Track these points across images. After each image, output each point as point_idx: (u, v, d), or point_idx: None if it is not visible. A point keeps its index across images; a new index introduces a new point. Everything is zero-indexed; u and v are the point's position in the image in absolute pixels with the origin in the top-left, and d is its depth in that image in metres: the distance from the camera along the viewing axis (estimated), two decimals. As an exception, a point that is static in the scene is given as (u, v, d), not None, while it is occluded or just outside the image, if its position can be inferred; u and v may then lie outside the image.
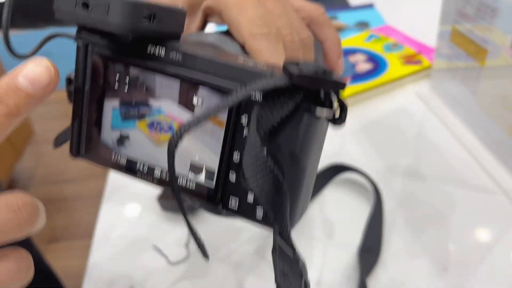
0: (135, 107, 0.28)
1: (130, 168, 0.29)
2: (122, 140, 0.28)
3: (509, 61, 0.53)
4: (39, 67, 0.24)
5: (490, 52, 0.56)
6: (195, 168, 0.27)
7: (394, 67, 0.74)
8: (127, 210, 0.59)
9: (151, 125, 0.28)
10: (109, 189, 0.62)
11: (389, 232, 0.52)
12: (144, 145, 0.28)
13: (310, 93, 0.24)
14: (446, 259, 0.49)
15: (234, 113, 0.26)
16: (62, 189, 1.84)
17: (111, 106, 0.28)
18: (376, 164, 0.60)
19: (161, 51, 0.27)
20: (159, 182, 0.29)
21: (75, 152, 0.30)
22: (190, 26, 0.34)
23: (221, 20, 0.33)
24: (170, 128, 0.27)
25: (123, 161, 0.29)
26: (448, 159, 0.60)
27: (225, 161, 0.27)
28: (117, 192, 0.61)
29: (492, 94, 0.57)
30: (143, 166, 0.29)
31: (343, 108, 0.24)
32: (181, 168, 0.28)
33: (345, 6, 0.95)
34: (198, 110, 0.26)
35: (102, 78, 0.28)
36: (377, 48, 0.79)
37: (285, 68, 0.23)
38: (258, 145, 0.23)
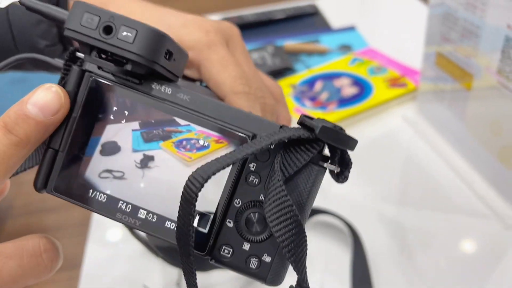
0: (158, 127, 0.26)
1: (109, 207, 0.27)
2: (145, 161, 0.26)
3: (495, 85, 0.52)
4: (49, 94, 0.23)
5: (475, 76, 0.55)
6: None
7: (380, 90, 0.73)
8: (115, 242, 0.56)
9: (179, 144, 0.26)
10: (95, 219, 0.59)
11: (381, 261, 0.50)
12: (171, 165, 0.26)
13: (323, 147, 0.25)
14: (442, 285, 0.48)
15: (242, 161, 0.25)
16: (43, 219, 1.79)
17: (129, 129, 0.26)
18: (365, 190, 0.59)
19: (167, 90, 0.26)
20: (142, 225, 0.26)
21: (42, 185, 0.27)
22: None
23: (198, 74, 0.33)
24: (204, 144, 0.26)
25: (101, 198, 0.27)
26: (438, 184, 0.59)
27: (224, 208, 0.26)
28: (104, 222, 0.59)
29: (480, 119, 0.57)
30: (126, 205, 0.26)
31: (349, 165, 0.25)
32: (170, 208, 0.26)
33: (327, 29, 0.95)
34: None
35: (97, 106, 0.26)
36: (361, 72, 0.78)
37: (303, 122, 0.24)
38: (283, 193, 0.24)
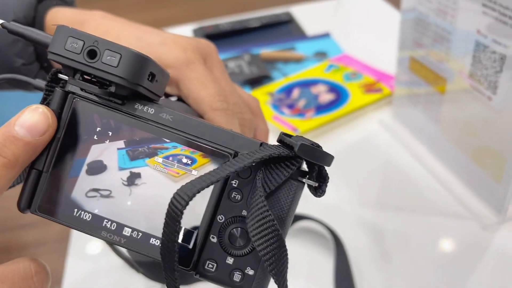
0: (143, 145, 0.26)
1: (94, 226, 0.27)
2: (132, 178, 0.26)
3: (467, 89, 0.54)
4: (36, 114, 0.24)
5: (448, 80, 0.57)
6: None
7: (356, 96, 0.74)
8: (96, 256, 0.56)
9: (165, 160, 0.26)
10: (75, 234, 0.59)
11: (362, 265, 0.51)
12: (158, 181, 0.26)
13: (301, 164, 0.26)
14: (423, 286, 0.49)
15: (224, 179, 0.25)
16: (22, 235, 1.75)
17: (114, 148, 0.26)
18: (344, 195, 0.60)
19: (150, 110, 0.26)
20: (127, 242, 0.26)
21: (25, 205, 0.27)
22: None
23: (177, 90, 0.35)
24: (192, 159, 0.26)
25: (86, 217, 0.27)
26: (415, 187, 0.60)
27: (208, 223, 0.26)
28: (84, 237, 0.58)
29: (454, 121, 0.58)
30: (111, 223, 0.27)
31: (326, 180, 0.26)
32: (155, 224, 0.26)
33: (302, 37, 0.96)
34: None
35: (81, 126, 0.26)
36: (337, 78, 0.79)
37: (282, 140, 0.25)
38: (265, 209, 0.24)
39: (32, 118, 0.24)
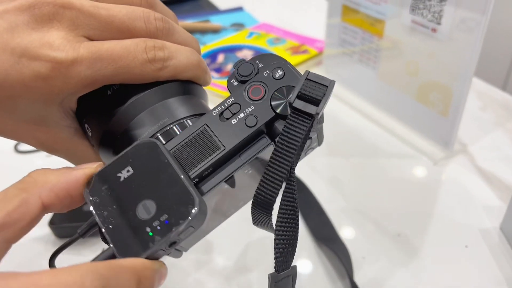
0: None
1: None
2: None
3: (408, 25, 0.53)
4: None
5: (387, 21, 0.56)
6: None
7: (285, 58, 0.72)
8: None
9: None
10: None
11: (336, 218, 0.48)
12: None
13: None
14: (397, 225, 0.47)
15: None
16: None
17: None
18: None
19: None
20: None
21: None
22: (73, 101, 0.26)
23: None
24: None
25: None
26: (363, 138, 0.59)
27: None
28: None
29: (394, 64, 0.58)
30: None
31: None
32: None
33: (215, 11, 0.92)
34: None
35: None
36: (261, 43, 0.76)
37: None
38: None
39: None
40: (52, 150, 0.27)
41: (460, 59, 0.49)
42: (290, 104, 0.23)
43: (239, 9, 0.92)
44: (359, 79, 0.64)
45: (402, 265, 0.43)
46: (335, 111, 0.63)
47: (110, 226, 0.21)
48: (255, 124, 0.23)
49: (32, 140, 0.26)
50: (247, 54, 0.73)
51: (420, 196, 0.51)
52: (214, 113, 0.24)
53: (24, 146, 0.57)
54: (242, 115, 0.24)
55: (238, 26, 0.85)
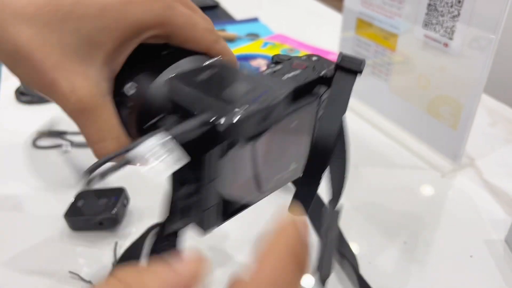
0: None
1: None
2: None
3: (421, 39, 0.55)
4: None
5: (400, 35, 0.58)
6: None
7: (298, 67, 0.73)
8: (31, 234, 0.47)
9: None
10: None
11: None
12: None
13: None
14: (404, 233, 0.47)
15: None
16: None
17: None
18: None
19: None
20: None
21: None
22: (120, 59, 0.30)
23: (168, 40, 0.31)
24: None
25: None
26: (372, 149, 0.60)
27: None
28: (17, 214, 0.48)
29: (405, 77, 0.59)
30: None
31: None
32: None
33: (231, 21, 0.94)
34: None
35: None
36: (275, 53, 0.78)
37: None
38: None
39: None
40: (78, 107, 0.27)
41: (471, 74, 0.50)
42: (337, 64, 0.27)
43: (254, 19, 0.94)
44: (371, 91, 0.65)
45: (407, 272, 0.44)
46: (347, 121, 0.64)
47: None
48: (304, 80, 0.26)
49: (65, 82, 0.27)
50: (261, 63, 0.75)
51: (428, 206, 0.51)
52: (265, 72, 0.28)
53: (43, 142, 0.59)
54: (292, 73, 0.27)
55: (253, 36, 0.87)
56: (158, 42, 0.31)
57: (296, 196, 0.26)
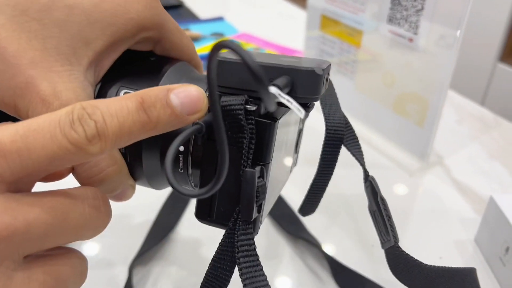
0: None
1: None
2: None
3: (386, 35, 0.53)
4: (195, 93, 0.22)
5: (365, 31, 0.56)
6: None
7: (263, 67, 0.71)
8: None
9: None
10: None
11: (313, 230, 0.47)
12: None
13: None
14: (371, 236, 0.46)
15: None
16: None
17: None
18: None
19: None
20: None
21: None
22: (107, 63, 0.27)
23: (155, 46, 0.29)
24: None
25: None
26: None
27: None
28: None
29: (371, 75, 0.58)
30: None
31: None
32: None
33: (196, 20, 0.91)
34: None
35: None
36: (240, 52, 0.76)
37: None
38: None
39: (190, 93, 0.22)
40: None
41: (436, 70, 0.49)
42: None
43: (219, 19, 0.91)
44: (337, 90, 0.63)
45: (375, 275, 0.42)
46: (311, 121, 0.63)
47: None
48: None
49: (45, 82, 0.23)
50: (225, 63, 0.73)
51: (396, 207, 0.50)
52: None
53: None
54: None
55: (218, 35, 0.85)
56: (143, 49, 0.29)
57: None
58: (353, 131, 0.33)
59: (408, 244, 0.45)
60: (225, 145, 0.20)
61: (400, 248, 0.29)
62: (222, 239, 0.25)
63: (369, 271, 0.42)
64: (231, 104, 0.24)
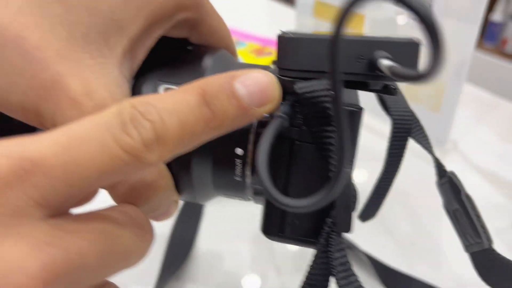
0: None
1: None
2: None
3: (391, 17, 0.50)
4: (265, 78, 0.18)
5: (368, 15, 0.53)
6: None
7: (250, 61, 0.66)
8: None
9: None
10: None
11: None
12: None
13: None
14: (393, 223, 0.42)
15: None
16: None
17: None
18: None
19: None
20: None
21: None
22: (142, 52, 0.22)
23: (191, 31, 0.25)
24: None
25: None
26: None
27: None
28: None
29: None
30: None
31: None
32: None
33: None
34: None
35: None
36: (221, 47, 0.71)
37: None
38: None
39: (259, 80, 0.18)
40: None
41: (454, 51, 0.46)
42: None
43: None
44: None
45: (416, 271, 0.38)
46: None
47: None
48: None
49: (75, 79, 0.18)
50: (208, 59, 0.67)
51: (416, 193, 0.47)
52: None
53: None
54: None
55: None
56: (178, 36, 0.24)
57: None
58: (419, 121, 0.29)
59: (441, 238, 0.42)
60: (345, 140, 0.16)
61: (496, 251, 0.25)
62: (313, 261, 0.20)
63: (413, 272, 0.38)
64: (314, 90, 0.19)
